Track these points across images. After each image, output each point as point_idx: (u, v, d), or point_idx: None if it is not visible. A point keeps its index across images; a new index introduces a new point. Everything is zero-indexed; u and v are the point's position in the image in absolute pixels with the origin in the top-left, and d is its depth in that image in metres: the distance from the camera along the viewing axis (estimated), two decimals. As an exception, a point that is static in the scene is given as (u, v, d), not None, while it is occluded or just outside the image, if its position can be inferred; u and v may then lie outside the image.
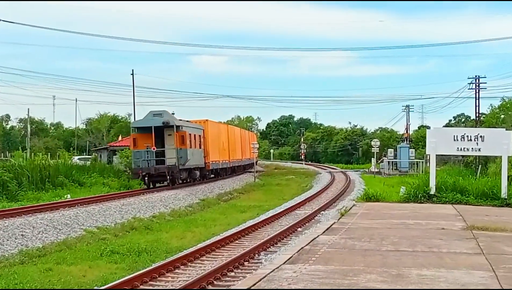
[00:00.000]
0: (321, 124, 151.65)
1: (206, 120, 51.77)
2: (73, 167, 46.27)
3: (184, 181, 44.42)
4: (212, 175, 53.80)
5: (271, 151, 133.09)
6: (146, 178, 41.43)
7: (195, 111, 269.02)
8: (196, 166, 45.77)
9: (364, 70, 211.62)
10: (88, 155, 74.82)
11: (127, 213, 29.65)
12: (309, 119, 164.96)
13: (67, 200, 33.15)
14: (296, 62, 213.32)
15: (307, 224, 25.13)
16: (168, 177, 41.17)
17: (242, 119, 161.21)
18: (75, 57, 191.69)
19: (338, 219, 19.51)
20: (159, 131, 41.55)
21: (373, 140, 71.38)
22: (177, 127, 41.81)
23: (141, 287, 14.49)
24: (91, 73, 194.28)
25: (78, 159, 58.74)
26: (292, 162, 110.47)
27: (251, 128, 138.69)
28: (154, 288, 14.57)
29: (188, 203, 36.08)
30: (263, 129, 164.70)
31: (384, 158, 71.82)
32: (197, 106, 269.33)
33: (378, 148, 68.16)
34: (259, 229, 24.21)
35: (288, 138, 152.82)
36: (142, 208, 31.61)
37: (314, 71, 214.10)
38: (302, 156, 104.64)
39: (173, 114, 43.59)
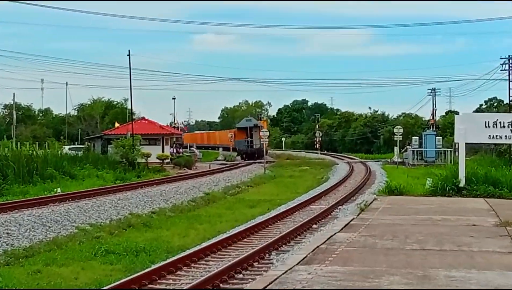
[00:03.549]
0: (338, 110, 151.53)
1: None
2: (63, 158, 46.45)
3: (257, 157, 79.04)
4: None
5: (283, 139, 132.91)
6: (244, 155, 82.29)
7: (199, 95, 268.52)
8: (263, 150, 75.40)
9: (383, 49, 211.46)
10: (80, 144, 75.03)
11: (124, 208, 29.74)
12: (325, 104, 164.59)
13: (57, 194, 33.31)
14: (309, 40, 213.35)
15: (323, 220, 25.16)
16: (255, 155, 79.57)
17: (251, 104, 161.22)
18: (65, 37, 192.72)
19: (358, 215, 19.50)
20: (250, 129, 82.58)
21: (396, 127, 71.05)
22: (259, 127, 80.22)
23: (140, 290, 14.52)
24: (83, 54, 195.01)
25: (69, 149, 58.90)
26: (306, 152, 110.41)
27: (260, 114, 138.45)
28: (153, 291, 14.60)
29: (191, 197, 36.08)
30: (273, 116, 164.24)
31: (408, 147, 71.63)
32: (201, 90, 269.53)
33: (401, 136, 67.96)
34: (270, 226, 24.24)
35: (302, 125, 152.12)
36: (140, 203, 31.70)
37: (328, 51, 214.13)
38: (317, 145, 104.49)
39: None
